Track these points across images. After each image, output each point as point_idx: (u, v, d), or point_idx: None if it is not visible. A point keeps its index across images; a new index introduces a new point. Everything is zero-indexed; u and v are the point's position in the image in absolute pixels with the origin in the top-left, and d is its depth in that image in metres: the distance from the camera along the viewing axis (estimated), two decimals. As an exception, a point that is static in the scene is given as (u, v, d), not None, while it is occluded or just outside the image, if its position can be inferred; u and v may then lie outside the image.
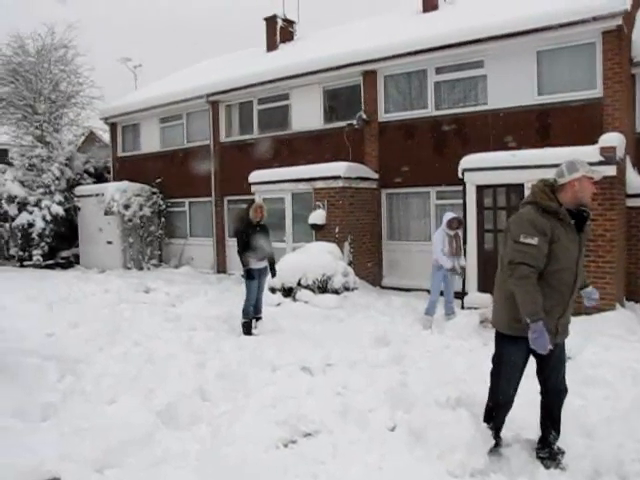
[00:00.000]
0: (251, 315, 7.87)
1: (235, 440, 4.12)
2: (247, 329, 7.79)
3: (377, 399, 4.91)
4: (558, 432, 3.87)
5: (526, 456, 3.89)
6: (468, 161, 9.90)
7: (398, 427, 4.29)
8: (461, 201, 10.13)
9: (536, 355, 3.71)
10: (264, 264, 7.93)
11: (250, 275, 7.74)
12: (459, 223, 8.37)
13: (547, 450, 3.85)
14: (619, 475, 3.64)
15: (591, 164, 8.60)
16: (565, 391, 3.87)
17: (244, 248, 7.72)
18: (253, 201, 8.20)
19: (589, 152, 8.66)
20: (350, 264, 11.08)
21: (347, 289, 10.04)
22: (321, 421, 4.47)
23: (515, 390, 3.84)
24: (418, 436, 3.99)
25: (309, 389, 5.27)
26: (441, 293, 8.48)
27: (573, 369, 5.84)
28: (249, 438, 4.16)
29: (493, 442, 3.91)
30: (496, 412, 3.96)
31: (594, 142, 8.74)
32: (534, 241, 3.51)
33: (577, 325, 7.75)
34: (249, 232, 7.76)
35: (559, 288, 3.64)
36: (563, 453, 3.84)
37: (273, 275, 8.19)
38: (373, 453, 3.89)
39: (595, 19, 9.47)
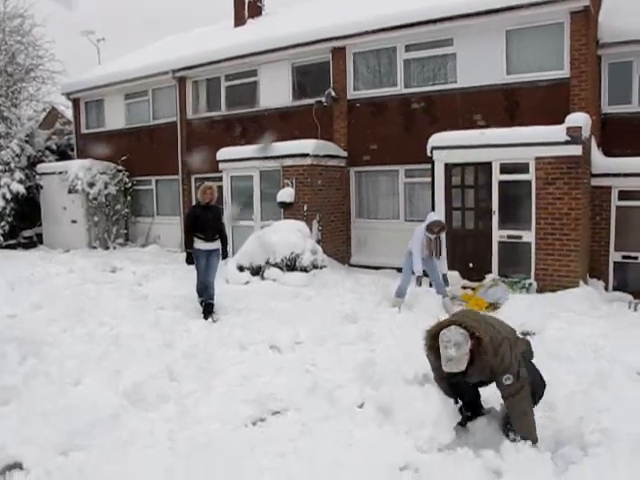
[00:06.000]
0: (205, 297, 7.69)
1: (203, 419, 4.11)
2: (210, 309, 7.58)
3: (346, 376, 4.93)
4: None
5: (491, 430, 3.95)
6: (437, 139, 9.91)
7: (366, 404, 4.32)
8: (430, 179, 10.16)
9: None
10: (214, 246, 7.78)
11: (189, 258, 7.65)
12: (441, 228, 8.13)
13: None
14: (579, 445, 3.74)
15: (558, 144, 8.81)
16: None
17: (188, 229, 7.68)
18: (203, 182, 8.10)
19: (556, 132, 8.77)
20: (319, 242, 11.04)
21: (316, 267, 10.01)
22: (290, 399, 4.49)
23: None
24: (386, 412, 4.02)
25: (278, 367, 5.28)
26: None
27: (538, 344, 5.92)
28: (217, 417, 4.15)
29: (460, 417, 3.97)
30: None
31: (561, 122, 8.83)
32: None
33: (542, 301, 8.04)
34: (196, 213, 7.71)
35: None
36: None
37: (224, 257, 8.07)
38: (342, 430, 3.90)
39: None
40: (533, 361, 4.09)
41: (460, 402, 4.13)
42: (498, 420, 4.03)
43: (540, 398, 3.97)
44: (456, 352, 3.64)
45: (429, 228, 8.01)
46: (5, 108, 17.52)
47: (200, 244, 7.68)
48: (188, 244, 7.71)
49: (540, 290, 8.88)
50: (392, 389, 4.30)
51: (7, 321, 6.75)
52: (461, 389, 4.06)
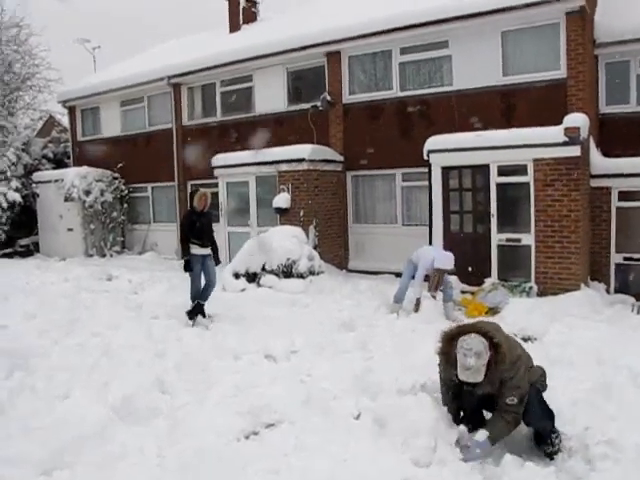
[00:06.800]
0: (199, 298, 7.72)
1: (195, 433, 3.97)
2: (198, 309, 7.65)
3: (342, 386, 4.81)
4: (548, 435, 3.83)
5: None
6: (433, 142, 9.81)
7: (363, 415, 4.19)
8: (427, 183, 10.05)
9: None
10: (208, 251, 7.84)
11: (189, 265, 7.62)
12: (441, 274, 7.94)
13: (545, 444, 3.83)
14: (585, 458, 3.61)
15: (556, 145, 8.71)
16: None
17: (185, 236, 7.65)
18: (197, 189, 8.07)
19: (554, 133, 8.67)
20: (316, 248, 10.93)
21: (312, 273, 9.89)
22: (284, 411, 4.35)
23: None
24: (382, 424, 3.89)
25: (273, 377, 5.15)
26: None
27: (539, 349, 5.86)
28: (209, 430, 4.01)
29: (457, 428, 3.85)
30: None
31: (558, 123, 8.73)
32: None
33: (543, 305, 7.91)
34: (193, 219, 7.70)
35: None
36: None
37: (217, 263, 8.04)
38: (337, 443, 3.76)
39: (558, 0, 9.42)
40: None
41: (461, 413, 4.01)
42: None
43: (549, 437, 3.79)
44: (476, 362, 3.55)
45: (433, 268, 7.86)
46: (2, 117, 17.50)
47: (196, 250, 7.69)
48: (186, 251, 7.66)
49: (541, 294, 8.75)
50: (389, 399, 4.18)
51: (-2, 332, 6.62)
52: (465, 400, 3.94)
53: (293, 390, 4.74)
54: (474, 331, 3.70)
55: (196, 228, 7.64)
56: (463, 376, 3.62)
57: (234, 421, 4.18)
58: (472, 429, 3.94)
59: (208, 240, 7.81)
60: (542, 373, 4.04)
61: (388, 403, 4.08)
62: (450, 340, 3.79)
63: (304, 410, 4.34)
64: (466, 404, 3.95)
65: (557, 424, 3.88)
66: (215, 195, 12.82)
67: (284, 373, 5.27)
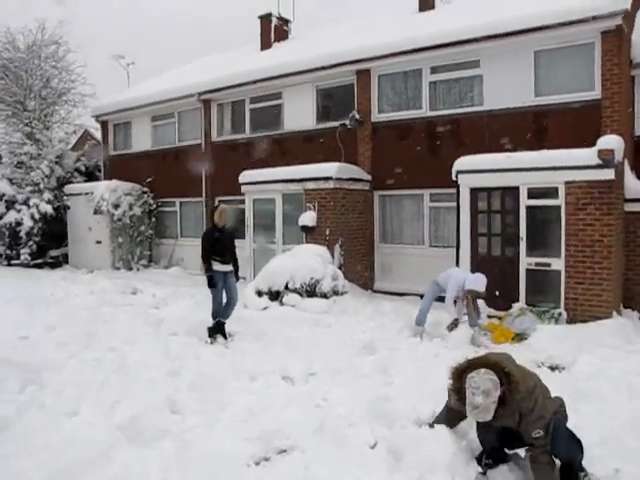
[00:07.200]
0: (220, 316, 7.62)
1: (203, 457, 3.85)
2: (219, 328, 7.54)
3: (358, 412, 4.62)
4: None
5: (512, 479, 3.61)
6: (462, 163, 9.62)
7: (378, 445, 4.00)
8: (455, 204, 9.85)
9: None
10: (229, 267, 7.76)
11: (212, 281, 7.55)
12: (473, 296, 7.71)
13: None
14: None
15: (589, 167, 8.45)
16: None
17: (207, 252, 7.57)
18: (217, 205, 8.03)
19: (587, 155, 8.41)
20: (341, 267, 10.79)
21: (336, 293, 9.74)
22: (297, 437, 4.20)
23: None
24: (398, 456, 3.70)
25: (288, 400, 5.00)
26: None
27: (566, 381, 5.60)
28: (218, 455, 3.89)
29: (476, 462, 3.65)
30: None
31: (592, 145, 8.48)
32: None
33: (572, 333, 7.60)
34: (214, 236, 7.65)
35: None
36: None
37: (237, 279, 7.94)
38: (349, 475, 3.59)
39: (594, 18, 9.19)
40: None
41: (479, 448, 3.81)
42: (523, 468, 3.68)
43: (577, 475, 3.59)
44: (483, 400, 3.39)
45: (469, 290, 7.61)
46: (37, 130, 17.86)
47: (217, 266, 7.62)
48: (208, 267, 7.59)
49: (570, 321, 8.44)
50: (406, 429, 3.99)
51: (17, 343, 6.62)
52: (482, 434, 3.75)
53: (308, 415, 4.59)
54: (484, 365, 3.54)
55: (217, 244, 7.58)
56: (471, 415, 3.49)
57: (245, 446, 4.05)
58: (493, 464, 3.74)
59: (230, 256, 7.72)
60: (561, 403, 3.82)
61: (405, 433, 3.90)
62: (460, 375, 3.62)
63: (317, 437, 4.17)
64: (484, 439, 3.75)
65: (584, 463, 3.65)
66: (242, 212, 12.84)
67: (300, 396, 5.12)
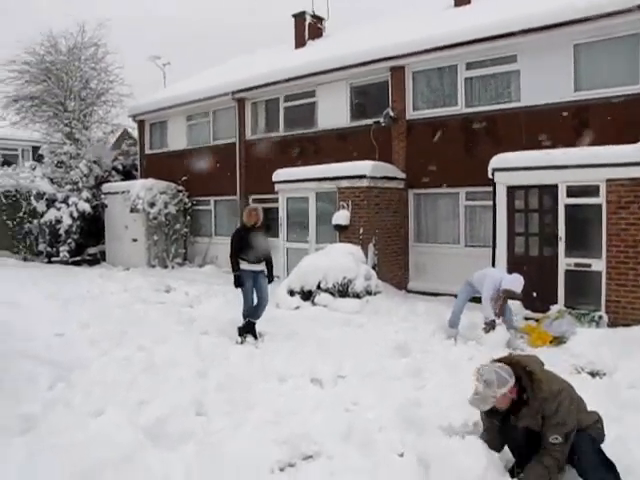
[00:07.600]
0: (250, 316, 7.56)
1: (226, 462, 3.77)
2: (249, 328, 7.47)
3: (388, 417, 4.50)
4: None
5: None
6: (498, 160, 9.37)
7: (407, 453, 3.86)
8: (491, 203, 9.61)
9: None
10: (260, 267, 7.65)
11: (239, 281, 7.48)
12: (507, 297, 7.55)
13: None
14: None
15: (631, 164, 8.11)
16: None
17: (234, 251, 7.51)
18: (248, 204, 7.94)
19: (630, 151, 8.10)
20: (374, 267, 10.65)
21: (369, 293, 9.61)
22: (324, 442, 4.10)
23: None
24: (427, 466, 3.56)
25: (316, 404, 4.89)
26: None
27: (609, 389, 5.35)
28: (242, 460, 3.81)
29: (509, 475, 3.49)
30: None
31: (635, 141, 8.16)
32: None
33: (614, 337, 7.30)
34: (242, 235, 7.59)
35: None
36: None
37: (270, 280, 7.83)
38: (376, 484, 3.49)
39: (639, 8, 8.84)
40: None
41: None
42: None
43: None
44: (483, 389, 3.46)
45: (501, 290, 7.39)
46: (77, 130, 18.23)
47: (245, 265, 7.57)
48: (235, 266, 7.54)
49: (612, 324, 8.13)
50: (436, 437, 3.86)
51: (52, 341, 6.69)
52: (506, 434, 3.61)
53: (336, 419, 4.48)
54: (504, 361, 3.63)
55: (243, 244, 7.50)
56: (470, 400, 3.59)
57: (270, 450, 3.97)
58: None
59: (258, 256, 7.60)
60: (597, 419, 3.62)
61: (435, 442, 3.76)
62: None
63: (345, 443, 4.06)
64: (508, 439, 3.64)
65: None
66: (275, 210, 12.81)
67: (329, 399, 5.01)
